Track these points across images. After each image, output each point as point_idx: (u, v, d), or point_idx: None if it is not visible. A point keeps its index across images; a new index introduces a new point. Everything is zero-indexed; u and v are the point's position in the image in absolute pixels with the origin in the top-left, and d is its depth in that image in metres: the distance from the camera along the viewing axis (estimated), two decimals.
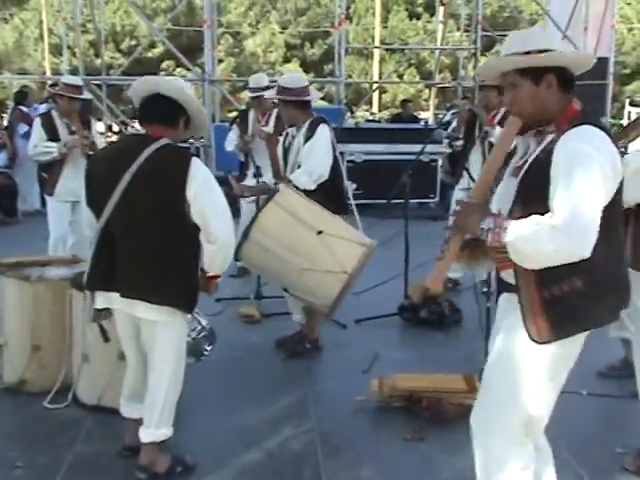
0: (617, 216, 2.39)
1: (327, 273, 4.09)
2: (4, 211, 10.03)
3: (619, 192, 2.36)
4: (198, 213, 3.03)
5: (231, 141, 6.91)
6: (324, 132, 4.71)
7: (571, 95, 2.44)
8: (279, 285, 4.74)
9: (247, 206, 6.23)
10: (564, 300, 2.33)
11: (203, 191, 3.03)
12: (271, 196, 4.31)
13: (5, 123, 11.91)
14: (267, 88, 6.54)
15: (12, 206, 10.14)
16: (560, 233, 2.17)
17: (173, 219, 3.03)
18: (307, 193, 4.54)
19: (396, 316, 5.68)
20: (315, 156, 4.67)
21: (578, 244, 2.19)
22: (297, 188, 4.53)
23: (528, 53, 2.40)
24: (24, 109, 10.78)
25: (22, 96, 11.09)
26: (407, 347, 5.26)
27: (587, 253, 2.20)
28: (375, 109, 24.48)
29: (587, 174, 2.21)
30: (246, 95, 6.84)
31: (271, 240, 4.14)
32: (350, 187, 4.81)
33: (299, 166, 4.76)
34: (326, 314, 4.38)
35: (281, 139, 5.18)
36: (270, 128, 6.57)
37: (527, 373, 2.42)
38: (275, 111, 6.59)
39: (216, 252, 3.10)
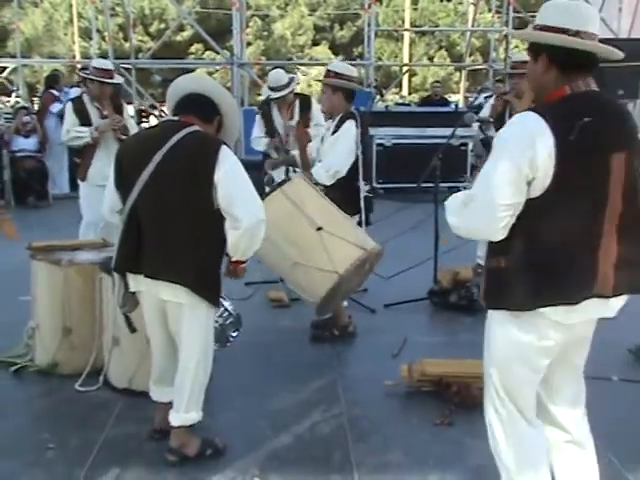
0: (556, 210, 2.28)
1: (318, 271, 4.06)
2: (35, 195, 10.15)
3: (560, 187, 2.25)
4: (224, 199, 3.01)
5: (258, 140, 6.69)
6: (350, 128, 4.64)
7: (576, 77, 2.34)
8: (275, 274, 4.71)
9: None
10: (493, 274, 2.46)
11: (230, 177, 3.02)
12: (281, 184, 4.30)
13: (36, 107, 12.03)
14: (290, 84, 6.48)
15: (43, 190, 10.27)
16: (464, 211, 2.39)
17: (199, 203, 3.03)
18: (326, 189, 4.51)
19: (425, 301, 5.66)
20: (335, 151, 4.64)
21: (477, 224, 2.38)
22: (317, 182, 4.51)
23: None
24: (55, 92, 10.86)
25: (54, 79, 11.18)
26: (436, 332, 5.23)
27: (494, 236, 2.34)
28: (405, 92, 24.31)
29: (497, 160, 2.30)
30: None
31: (272, 228, 4.09)
32: (364, 187, 4.72)
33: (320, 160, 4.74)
34: (316, 311, 4.34)
35: (320, 132, 5.17)
36: (294, 121, 6.50)
37: (489, 343, 2.57)
38: (297, 103, 6.53)
39: (239, 237, 3.05)
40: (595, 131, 2.27)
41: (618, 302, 2.46)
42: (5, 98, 15.68)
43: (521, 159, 2.24)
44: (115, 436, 3.53)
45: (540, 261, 2.34)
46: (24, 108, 11.24)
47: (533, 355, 2.48)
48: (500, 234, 2.34)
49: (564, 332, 2.44)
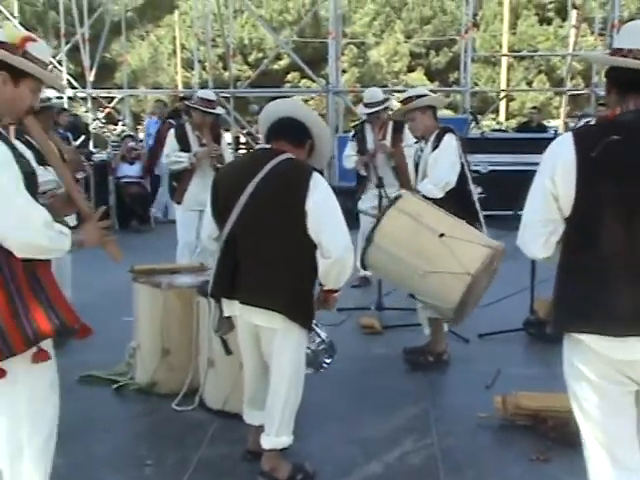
0: (580, 231, 2.25)
1: (450, 275, 4.03)
2: (138, 219, 10.59)
3: (588, 202, 2.20)
4: (314, 227, 3.06)
5: (349, 158, 6.80)
6: (450, 141, 4.73)
7: (629, 98, 2.24)
8: (404, 291, 4.73)
9: (366, 218, 6.24)
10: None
11: (320, 205, 3.07)
12: (393, 202, 4.33)
13: (141, 135, 12.53)
14: (385, 101, 6.54)
15: (145, 214, 10.71)
16: (521, 230, 2.44)
17: (292, 230, 3.08)
18: (436, 202, 4.54)
19: (521, 331, 5.52)
20: (440, 165, 4.71)
21: (524, 241, 2.43)
22: (426, 198, 4.53)
23: None
24: (174, 123, 11.27)
25: (176, 112, 11.64)
26: (532, 363, 5.08)
27: (539, 252, 2.39)
28: (502, 118, 23.95)
29: (535, 180, 2.37)
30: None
31: (394, 244, 4.15)
32: (475, 190, 4.78)
33: (425, 176, 4.78)
34: (452, 319, 4.30)
35: (412, 153, 5.23)
36: (388, 141, 6.54)
37: None
38: (391, 123, 6.57)
39: (330, 267, 3.10)
40: (624, 150, 2.16)
41: None
42: (112, 126, 16.46)
43: (545, 174, 2.29)
44: (209, 456, 3.61)
45: (571, 285, 2.29)
46: (130, 136, 11.76)
47: (590, 375, 2.32)
48: (543, 251, 2.38)
49: (623, 367, 2.24)
